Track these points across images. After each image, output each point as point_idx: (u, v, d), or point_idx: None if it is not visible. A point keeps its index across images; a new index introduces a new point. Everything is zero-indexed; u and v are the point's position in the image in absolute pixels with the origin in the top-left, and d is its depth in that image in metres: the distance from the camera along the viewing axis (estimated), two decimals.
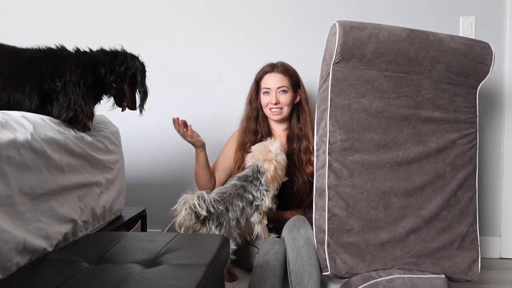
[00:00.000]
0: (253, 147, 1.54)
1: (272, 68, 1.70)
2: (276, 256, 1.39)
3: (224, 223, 1.37)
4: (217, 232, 1.35)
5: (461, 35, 2.03)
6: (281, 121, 1.73)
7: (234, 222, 1.39)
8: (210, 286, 0.91)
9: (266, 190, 1.45)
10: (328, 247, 1.34)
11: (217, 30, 2.13)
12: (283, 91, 1.67)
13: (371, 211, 1.39)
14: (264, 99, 1.69)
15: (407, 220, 1.42)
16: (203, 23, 2.13)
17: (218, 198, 1.36)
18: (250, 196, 1.44)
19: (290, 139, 1.72)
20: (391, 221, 1.40)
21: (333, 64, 1.38)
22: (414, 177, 1.43)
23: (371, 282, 1.29)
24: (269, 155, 1.47)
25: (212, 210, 1.33)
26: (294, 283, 1.33)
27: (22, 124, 1.04)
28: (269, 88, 1.67)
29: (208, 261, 0.94)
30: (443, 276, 1.30)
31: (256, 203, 1.44)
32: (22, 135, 1.00)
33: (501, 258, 2.07)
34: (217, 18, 2.13)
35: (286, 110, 1.68)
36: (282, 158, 1.49)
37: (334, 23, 1.37)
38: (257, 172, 1.46)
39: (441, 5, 2.05)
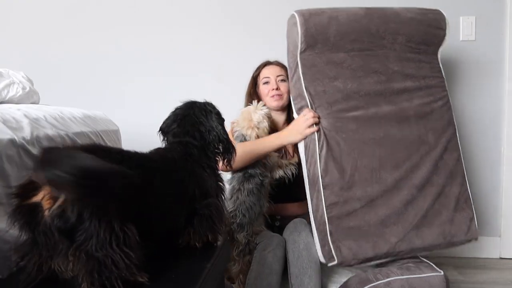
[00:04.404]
0: (240, 111, 1.58)
1: (269, 62, 1.77)
2: (274, 252, 1.39)
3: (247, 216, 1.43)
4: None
5: (461, 35, 2.04)
6: (280, 111, 1.74)
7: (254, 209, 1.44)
8: (210, 286, 0.91)
9: None
10: (331, 236, 1.34)
11: (217, 31, 2.13)
12: (282, 80, 1.70)
13: (367, 189, 1.40)
14: (264, 89, 1.71)
15: (401, 192, 1.43)
16: (204, 23, 2.14)
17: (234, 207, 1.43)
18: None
19: None
20: (387, 196, 1.42)
21: (299, 53, 1.42)
22: (400, 149, 1.46)
23: (370, 285, 1.29)
24: (251, 123, 1.51)
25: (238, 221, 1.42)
26: (294, 285, 1.34)
27: (22, 123, 1.04)
28: (268, 77, 1.71)
29: (208, 261, 0.94)
30: (441, 273, 1.29)
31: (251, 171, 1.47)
32: (22, 134, 1.00)
33: (501, 258, 2.07)
34: (217, 18, 2.14)
35: (285, 97, 1.69)
36: (264, 125, 1.52)
37: (293, 13, 1.42)
38: (244, 140, 1.50)
39: (441, 5, 2.05)
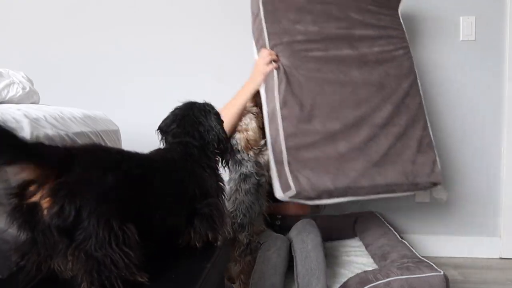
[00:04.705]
0: None
1: None
2: (278, 252, 1.39)
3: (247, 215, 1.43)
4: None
5: (461, 35, 2.04)
6: None
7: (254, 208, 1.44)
8: (210, 286, 0.91)
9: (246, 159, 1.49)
10: (289, 165, 1.34)
11: (217, 31, 2.13)
12: None
13: (326, 124, 1.42)
14: None
15: (362, 129, 1.45)
16: (204, 23, 2.14)
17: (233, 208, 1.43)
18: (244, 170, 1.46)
19: None
20: (348, 132, 1.44)
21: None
22: (360, 90, 1.49)
23: (370, 286, 1.28)
24: (239, 127, 1.51)
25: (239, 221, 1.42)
26: (301, 285, 1.33)
27: (22, 123, 1.04)
28: None
29: (208, 261, 0.94)
30: (441, 273, 1.29)
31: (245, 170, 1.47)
32: (22, 134, 1.00)
33: (501, 258, 2.07)
34: (217, 18, 2.14)
35: None
36: (253, 126, 1.51)
37: None
38: (236, 143, 1.51)
39: (441, 5, 2.05)
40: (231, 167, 1.45)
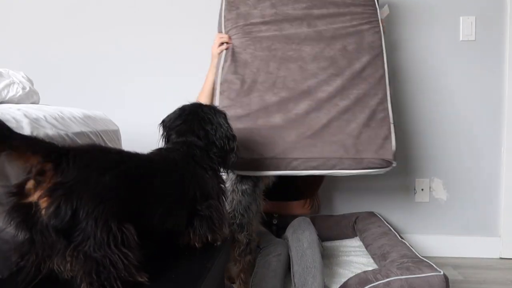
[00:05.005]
0: None
1: None
2: (279, 258, 1.39)
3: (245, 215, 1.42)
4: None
5: (461, 35, 2.04)
6: None
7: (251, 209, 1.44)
8: (210, 286, 0.91)
9: None
10: None
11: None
12: None
13: (265, 97, 1.45)
14: None
15: (303, 103, 1.44)
16: (204, 23, 2.13)
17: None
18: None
19: None
20: (286, 106, 1.44)
21: None
22: (310, 65, 1.49)
23: (369, 286, 1.28)
24: None
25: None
26: (297, 284, 1.33)
27: (22, 123, 1.04)
28: None
29: (208, 261, 0.94)
30: (441, 273, 1.29)
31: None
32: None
33: (501, 258, 2.07)
34: (217, 18, 2.13)
35: None
36: None
37: None
38: None
39: (441, 5, 2.05)
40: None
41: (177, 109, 1.12)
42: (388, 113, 1.47)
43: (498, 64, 2.04)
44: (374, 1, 1.62)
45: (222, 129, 1.09)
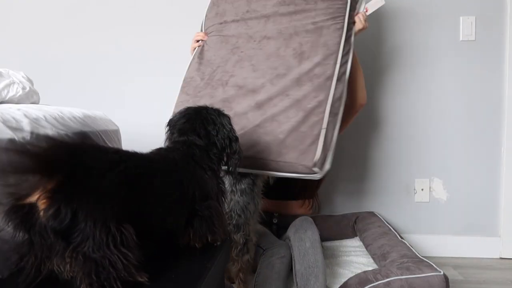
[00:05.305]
0: None
1: None
2: (282, 260, 1.39)
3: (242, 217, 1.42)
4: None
5: (461, 35, 2.04)
6: None
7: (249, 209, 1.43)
8: (210, 286, 0.91)
9: None
10: None
11: None
12: None
13: (214, 94, 1.50)
14: None
15: (244, 101, 1.45)
16: None
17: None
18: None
19: None
20: (229, 105, 1.46)
21: None
22: (261, 64, 1.50)
23: (369, 286, 1.28)
24: None
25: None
26: (300, 284, 1.33)
27: (22, 123, 1.04)
28: None
29: (208, 261, 0.94)
30: (441, 273, 1.29)
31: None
32: (22, 134, 1.00)
33: (501, 258, 2.07)
34: None
35: None
36: None
37: None
38: None
39: (441, 5, 2.05)
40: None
41: (183, 108, 1.13)
42: (322, 118, 1.36)
43: (498, 64, 2.04)
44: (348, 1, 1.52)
45: (224, 130, 1.10)
